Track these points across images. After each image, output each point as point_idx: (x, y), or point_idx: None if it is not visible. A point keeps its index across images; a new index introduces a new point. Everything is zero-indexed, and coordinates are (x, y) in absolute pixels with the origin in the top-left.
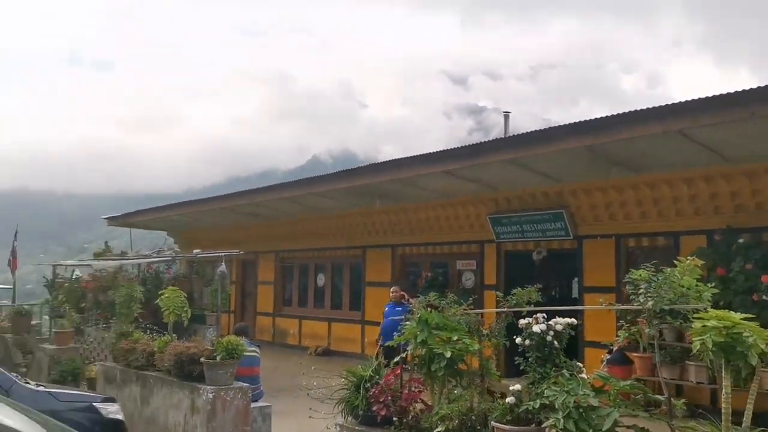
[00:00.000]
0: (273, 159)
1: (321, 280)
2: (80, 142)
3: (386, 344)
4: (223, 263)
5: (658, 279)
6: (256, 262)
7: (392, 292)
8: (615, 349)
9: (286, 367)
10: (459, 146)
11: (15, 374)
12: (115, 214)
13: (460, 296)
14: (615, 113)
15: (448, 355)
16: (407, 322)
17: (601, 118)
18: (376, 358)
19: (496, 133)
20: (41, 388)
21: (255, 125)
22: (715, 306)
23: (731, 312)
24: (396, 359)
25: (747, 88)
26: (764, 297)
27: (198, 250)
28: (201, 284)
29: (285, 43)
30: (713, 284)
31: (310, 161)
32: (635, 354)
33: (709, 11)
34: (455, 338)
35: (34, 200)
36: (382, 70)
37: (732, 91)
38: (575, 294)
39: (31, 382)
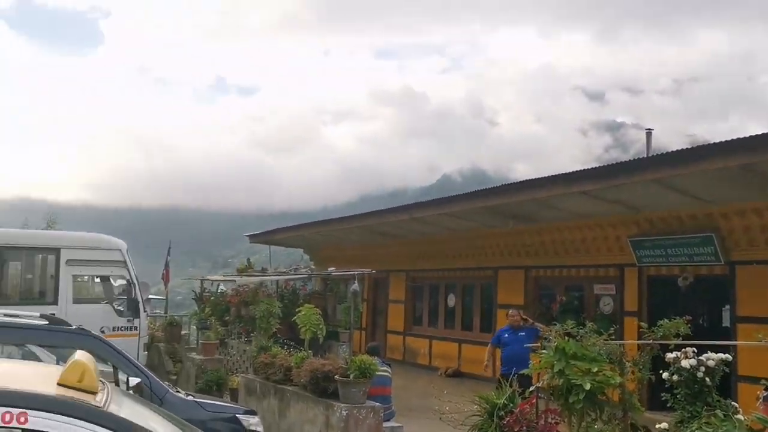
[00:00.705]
0: (404, 177)
1: (451, 300)
2: (225, 163)
3: (522, 372)
4: (356, 281)
5: None
6: (387, 280)
7: (511, 316)
8: None
9: (417, 387)
10: (598, 166)
11: (167, 383)
12: (256, 232)
13: (598, 322)
14: None
15: (588, 387)
16: (543, 350)
17: (757, 136)
18: (510, 385)
19: (636, 149)
20: (190, 398)
21: (386, 145)
22: None
23: None
24: (531, 388)
25: None
26: None
27: (332, 268)
28: (335, 301)
29: (417, 64)
30: None
31: (441, 180)
32: None
33: None
34: (595, 369)
35: (185, 217)
36: (513, 88)
37: None
38: (726, 323)
39: (181, 390)
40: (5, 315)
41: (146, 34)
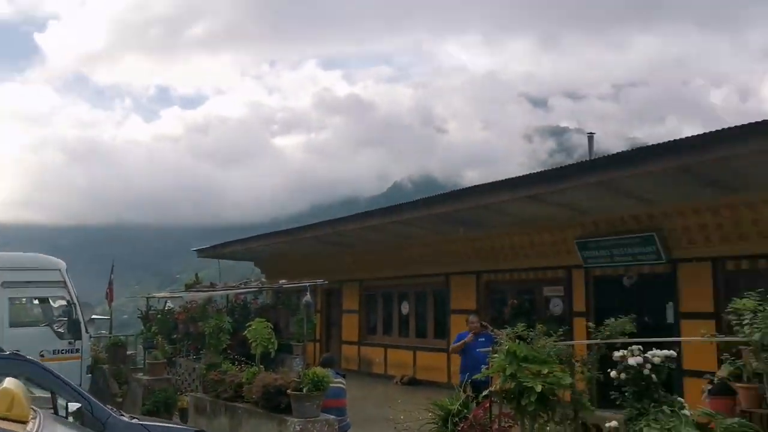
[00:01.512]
0: (355, 186)
1: (405, 308)
2: (170, 176)
3: (474, 377)
4: (308, 293)
5: (765, 308)
6: (340, 290)
7: (471, 323)
8: (717, 379)
9: (373, 396)
10: (543, 170)
11: (111, 407)
12: (204, 246)
13: (548, 324)
14: (709, 131)
15: (539, 389)
16: (495, 355)
17: (695, 136)
18: (464, 390)
19: (579, 154)
20: (135, 421)
21: (336, 154)
22: None
23: None
24: (485, 393)
25: None
26: None
27: (283, 281)
28: (287, 314)
29: (364, 73)
30: None
31: (392, 188)
32: (739, 384)
33: None
34: (546, 371)
35: (129, 233)
36: (460, 96)
37: None
38: (670, 320)
39: (125, 414)
40: None
41: (84, 46)
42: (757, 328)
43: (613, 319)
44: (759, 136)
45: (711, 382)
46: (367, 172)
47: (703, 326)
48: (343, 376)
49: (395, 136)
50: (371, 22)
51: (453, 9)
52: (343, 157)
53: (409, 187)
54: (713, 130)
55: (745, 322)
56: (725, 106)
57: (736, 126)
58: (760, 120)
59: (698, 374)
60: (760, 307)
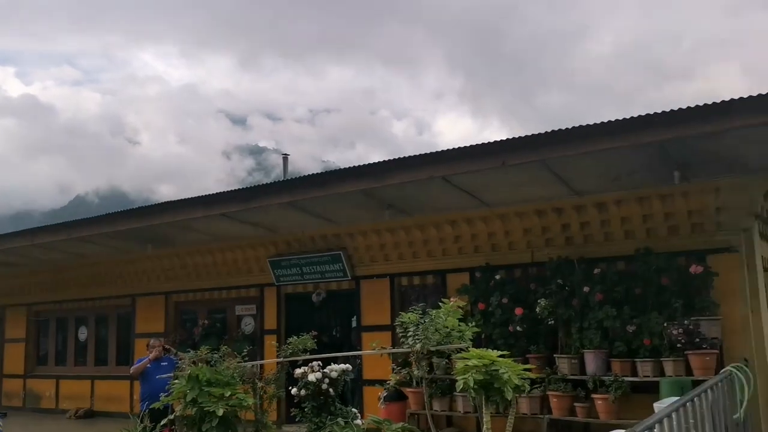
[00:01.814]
0: (29, 199)
1: (83, 333)
2: None
3: (153, 406)
4: None
5: (425, 321)
6: (3, 316)
7: (151, 346)
8: (391, 385)
9: None
10: (235, 189)
11: None
12: None
13: (240, 343)
14: (387, 159)
15: (221, 412)
16: (176, 380)
17: (375, 164)
18: (141, 421)
19: (277, 173)
20: None
21: (8, 161)
22: (478, 338)
23: (489, 350)
24: (163, 422)
25: (498, 139)
26: (518, 328)
27: None
28: None
29: (42, 73)
30: (477, 317)
31: (74, 201)
32: (409, 389)
33: (467, 67)
34: (228, 394)
35: None
36: (154, 107)
37: (485, 141)
38: (354, 334)
39: None
40: None
41: None
42: (418, 339)
43: (295, 337)
44: (424, 166)
45: (386, 389)
46: (44, 183)
47: (381, 338)
48: (3, 415)
49: (79, 144)
50: (52, 17)
51: (148, 16)
52: (14, 165)
53: (95, 201)
54: (390, 159)
55: (409, 334)
56: (405, 137)
57: (407, 156)
58: (434, 151)
59: (376, 383)
60: (422, 320)
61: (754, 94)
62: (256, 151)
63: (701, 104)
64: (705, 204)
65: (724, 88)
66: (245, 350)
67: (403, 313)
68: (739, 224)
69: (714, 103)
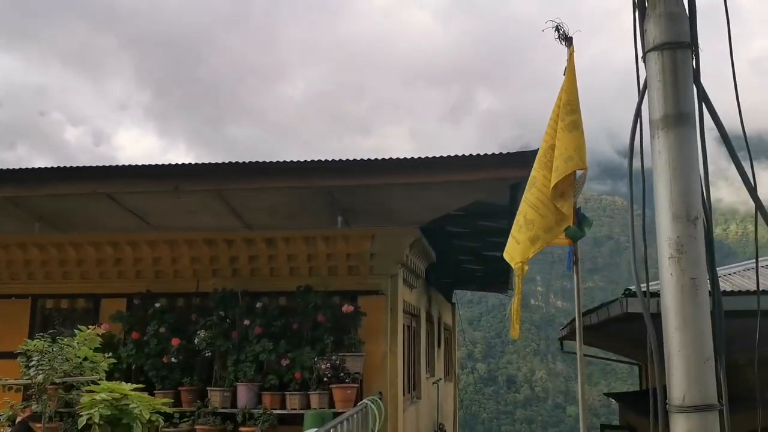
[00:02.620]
0: None
1: None
2: None
3: None
4: None
5: (53, 350)
6: None
7: None
8: (19, 420)
9: None
10: None
11: None
12: None
13: None
14: (45, 167)
15: None
16: None
17: (29, 169)
18: None
19: None
20: None
21: None
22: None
23: (123, 383)
24: None
25: (174, 163)
26: (173, 359)
27: None
28: None
29: None
30: (129, 347)
31: None
32: (38, 425)
33: (158, 84)
34: None
35: None
36: None
37: (160, 163)
38: None
39: None
40: None
41: None
42: (42, 369)
43: None
44: (90, 179)
45: (12, 423)
46: None
47: (14, 366)
48: None
49: None
50: None
51: None
52: None
53: None
54: (53, 166)
55: (33, 363)
56: (80, 145)
57: (72, 167)
58: (102, 165)
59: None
60: (50, 348)
61: (411, 157)
62: None
63: (366, 159)
64: (362, 248)
65: (394, 147)
66: None
67: (28, 340)
68: (388, 270)
69: (377, 159)
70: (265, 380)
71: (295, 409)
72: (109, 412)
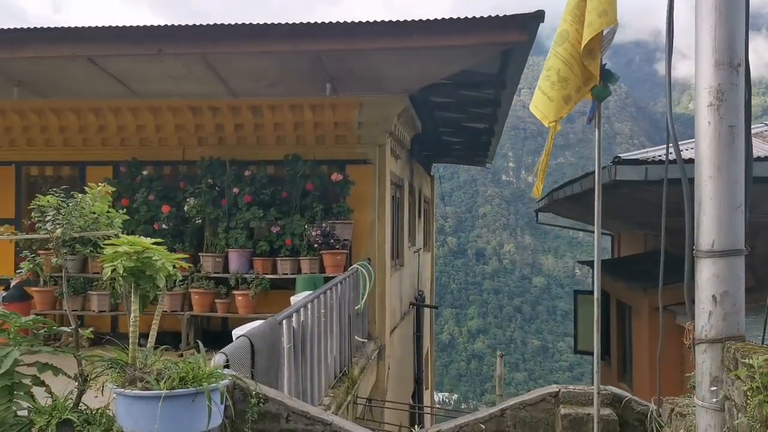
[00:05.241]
0: None
1: None
2: None
3: None
4: None
5: (68, 205)
6: None
7: None
8: (13, 284)
9: None
10: None
11: None
12: None
13: None
14: (22, 27)
15: None
16: None
17: (5, 30)
18: None
19: None
20: None
21: None
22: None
23: (141, 237)
24: None
25: (158, 24)
26: (164, 226)
27: None
28: None
29: None
30: (121, 213)
31: None
32: (35, 288)
33: None
34: None
35: None
36: None
37: (144, 24)
38: None
39: None
40: None
41: None
42: (59, 223)
43: None
44: (68, 41)
45: (6, 288)
46: None
47: (3, 229)
48: None
49: None
50: None
51: None
52: None
53: None
54: (30, 27)
55: (48, 219)
56: (37, 14)
57: (51, 27)
58: (81, 26)
59: None
60: (63, 204)
61: (404, 20)
62: None
63: (356, 21)
64: (349, 117)
65: (365, 15)
66: None
67: (40, 196)
68: (375, 139)
69: (368, 21)
70: (256, 246)
71: (287, 274)
72: (132, 264)
